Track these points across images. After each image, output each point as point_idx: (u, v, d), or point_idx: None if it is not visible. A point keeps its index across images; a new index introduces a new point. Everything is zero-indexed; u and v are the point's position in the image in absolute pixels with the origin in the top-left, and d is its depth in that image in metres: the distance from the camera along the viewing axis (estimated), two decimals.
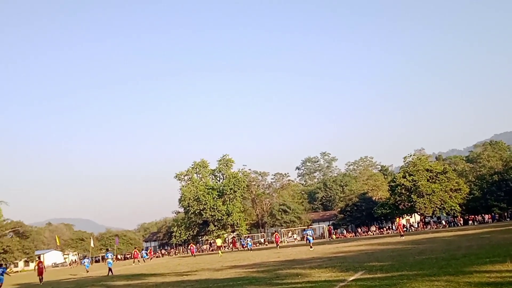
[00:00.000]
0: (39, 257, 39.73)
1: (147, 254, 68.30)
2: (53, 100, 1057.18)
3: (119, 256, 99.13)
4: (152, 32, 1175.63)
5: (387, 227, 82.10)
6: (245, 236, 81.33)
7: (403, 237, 43.43)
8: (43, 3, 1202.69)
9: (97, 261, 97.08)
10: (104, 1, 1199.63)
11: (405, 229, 75.75)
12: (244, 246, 67.92)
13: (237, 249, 64.30)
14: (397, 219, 51.86)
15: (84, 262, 51.15)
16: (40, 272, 34.52)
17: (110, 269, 34.86)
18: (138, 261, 58.18)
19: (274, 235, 64.41)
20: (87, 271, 44.40)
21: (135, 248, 75.49)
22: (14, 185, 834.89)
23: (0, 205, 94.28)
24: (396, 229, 49.89)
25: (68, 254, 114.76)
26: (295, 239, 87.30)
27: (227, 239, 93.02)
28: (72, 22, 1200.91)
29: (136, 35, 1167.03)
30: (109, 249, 46.38)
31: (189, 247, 70.61)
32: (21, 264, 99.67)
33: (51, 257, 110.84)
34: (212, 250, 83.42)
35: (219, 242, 61.39)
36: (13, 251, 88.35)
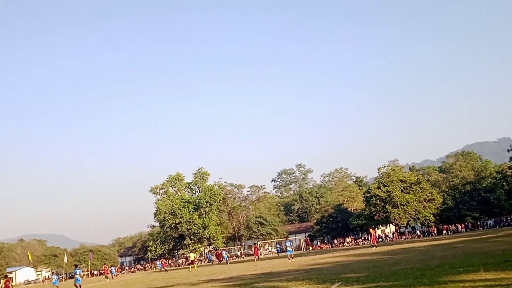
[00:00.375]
0: (6, 276, 39.03)
1: (115, 271, 67.98)
2: (22, 111, 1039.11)
3: (95, 272, 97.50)
4: (131, 43, 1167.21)
5: (362, 238, 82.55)
6: (221, 250, 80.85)
7: (376, 248, 43.75)
8: (57, 13, 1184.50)
9: (71, 277, 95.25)
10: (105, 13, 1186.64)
11: (380, 239, 76.45)
12: (216, 259, 67.62)
13: (224, 262, 62.72)
14: (371, 230, 52.39)
15: (53, 278, 49.83)
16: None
17: (79, 286, 34.48)
18: (106, 277, 57.81)
19: (254, 248, 64.26)
20: None
21: (104, 264, 75.06)
22: None
23: None
24: (372, 240, 50.35)
25: (41, 271, 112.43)
26: (270, 251, 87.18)
27: (203, 252, 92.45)
28: (87, 32, 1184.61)
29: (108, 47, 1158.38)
30: (77, 265, 45.54)
31: (160, 262, 69.30)
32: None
33: (23, 274, 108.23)
34: (189, 264, 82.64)
35: (192, 256, 60.15)
36: None
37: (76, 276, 36.73)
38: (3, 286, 34.28)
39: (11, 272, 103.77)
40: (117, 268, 77.25)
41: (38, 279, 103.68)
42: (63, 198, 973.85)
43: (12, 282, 35.62)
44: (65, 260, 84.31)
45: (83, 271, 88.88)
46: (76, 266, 42.79)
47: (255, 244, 74.06)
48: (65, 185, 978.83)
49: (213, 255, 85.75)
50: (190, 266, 53.69)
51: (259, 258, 56.72)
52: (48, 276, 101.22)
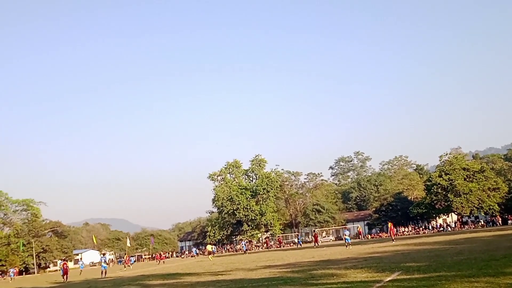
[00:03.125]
0: (64, 259, 44.71)
1: (134, 260, 71.30)
2: (87, 101, 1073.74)
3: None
4: (166, 32, 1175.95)
5: (423, 227, 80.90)
6: (240, 239, 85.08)
7: (394, 242, 42.96)
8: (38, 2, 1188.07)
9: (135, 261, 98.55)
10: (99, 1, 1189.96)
11: (441, 229, 74.76)
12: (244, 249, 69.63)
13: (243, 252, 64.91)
14: (389, 224, 51.78)
15: (79, 264, 52.97)
16: (65, 272, 39.37)
17: (103, 272, 39.36)
18: (124, 266, 58.91)
19: (314, 235, 66.12)
20: (80, 272, 45.49)
21: (125, 253, 78.33)
22: (52, 186, 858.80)
23: (39, 206, 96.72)
24: (388, 234, 50.31)
25: (105, 254, 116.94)
26: (329, 239, 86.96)
27: (261, 239, 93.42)
28: (69, 22, 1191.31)
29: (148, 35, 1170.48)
30: (103, 254, 50.33)
31: (158, 254, 70.08)
32: (60, 263, 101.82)
33: (88, 257, 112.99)
34: (247, 250, 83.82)
35: (209, 248, 63.24)
36: (52, 250, 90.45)
37: (102, 263, 42.05)
38: (61, 268, 40.92)
39: (77, 254, 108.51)
40: (136, 256, 79.24)
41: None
42: (126, 185, 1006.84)
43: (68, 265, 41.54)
44: (128, 244, 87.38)
45: (144, 255, 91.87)
46: (103, 254, 46.95)
47: (314, 231, 74.60)
48: (126, 171, 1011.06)
49: (272, 241, 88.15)
50: (210, 256, 56.13)
51: (318, 244, 58.09)
52: (113, 259, 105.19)
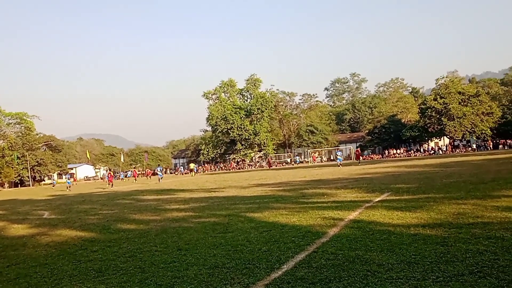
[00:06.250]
0: (110, 169, 50.97)
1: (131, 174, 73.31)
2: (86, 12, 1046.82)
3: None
4: None
5: (415, 150, 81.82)
6: (233, 158, 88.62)
7: (359, 165, 45.70)
8: None
9: (125, 176, 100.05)
10: None
11: (433, 152, 75.74)
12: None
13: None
14: (356, 150, 57.14)
15: (66, 179, 56.68)
16: (110, 180, 46.53)
17: (160, 179, 48.27)
18: (135, 179, 62.46)
19: (267, 159, 70.22)
20: (68, 188, 49.22)
21: (134, 168, 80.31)
22: (46, 101, 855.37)
23: (33, 120, 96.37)
24: (357, 158, 57.10)
25: (99, 168, 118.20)
26: (320, 160, 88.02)
27: (253, 158, 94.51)
28: None
29: None
30: (158, 165, 59.21)
31: (111, 173, 66.99)
32: (55, 176, 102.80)
33: (83, 171, 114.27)
34: (239, 169, 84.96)
35: (192, 166, 69.17)
36: (46, 164, 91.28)
37: (159, 173, 51.20)
38: (107, 176, 48.70)
39: (72, 168, 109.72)
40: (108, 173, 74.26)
41: (96, 176, 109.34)
42: (121, 101, 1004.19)
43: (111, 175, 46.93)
44: (122, 160, 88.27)
45: (138, 171, 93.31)
46: (159, 165, 54.33)
47: (266, 156, 76.49)
48: (122, 87, 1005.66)
49: (263, 161, 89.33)
50: (192, 173, 65.49)
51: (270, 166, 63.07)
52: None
